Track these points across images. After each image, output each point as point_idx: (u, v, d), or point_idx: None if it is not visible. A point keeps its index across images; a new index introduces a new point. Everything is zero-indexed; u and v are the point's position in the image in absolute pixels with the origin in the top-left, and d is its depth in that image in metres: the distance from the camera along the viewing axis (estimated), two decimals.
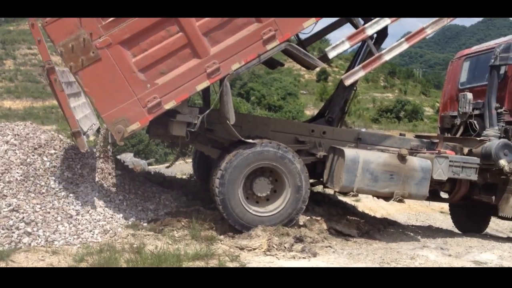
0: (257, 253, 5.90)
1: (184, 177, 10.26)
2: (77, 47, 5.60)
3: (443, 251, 6.48)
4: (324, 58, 6.86)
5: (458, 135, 8.52)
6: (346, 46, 6.59)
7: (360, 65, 6.81)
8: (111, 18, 5.68)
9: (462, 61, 9.29)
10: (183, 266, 5.05)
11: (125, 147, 20.60)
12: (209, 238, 6.16)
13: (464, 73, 9.19)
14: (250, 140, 6.51)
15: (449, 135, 8.77)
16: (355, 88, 8.08)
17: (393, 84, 64.46)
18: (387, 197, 7.10)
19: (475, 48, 9.38)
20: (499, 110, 7.92)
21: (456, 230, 9.77)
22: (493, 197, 7.83)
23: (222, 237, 6.40)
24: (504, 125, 7.86)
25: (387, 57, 6.83)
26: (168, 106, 5.97)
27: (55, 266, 4.92)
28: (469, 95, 8.31)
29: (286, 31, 6.16)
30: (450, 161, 7.25)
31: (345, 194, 7.45)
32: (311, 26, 6.30)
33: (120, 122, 5.81)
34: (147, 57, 5.87)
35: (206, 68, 5.99)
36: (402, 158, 6.92)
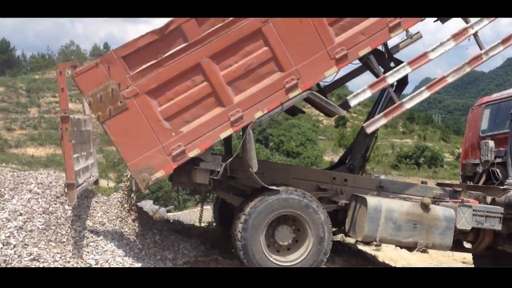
0: None
1: (203, 225, 10.22)
2: (105, 97, 5.70)
3: None
4: (345, 105, 6.87)
5: (480, 183, 8.38)
6: (368, 94, 6.64)
7: (382, 113, 6.82)
8: (139, 68, 5.80)
9: (483, 109, 9.23)
10: None
11: (144, 194, 20.64)
12: None
13: (485, 120, 9.13)
14: (275, 187, 6.48)
15: (471, 183, 8.64)
16: (376, 135, 8.06)
17: (412, 130, 64.22)
18: (410, 247, 6.94)
19: (495, 96, 9.35)
20: None
21: None
22: None
23: None
24: None
25: (408, 105, 6.84)
26: (192, 154, 6.00)
27: None
28: (491, 143, 8.20)
29: (308, 80, 6.24)
30: (473, 210, 7.09)
31: (368, 243, 7.30)
32: (332, 74, 6.38)
33: (145, 170, 5.83)
34: (172, 106, 5.94)
35: (230, 117, 6.04)
36: (425, 207, 6.81)
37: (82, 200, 6.91)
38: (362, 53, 6.36)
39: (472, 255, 9.64)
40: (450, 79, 6.84)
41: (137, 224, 7.40)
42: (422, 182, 8.52)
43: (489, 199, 7.58)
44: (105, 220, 6.88)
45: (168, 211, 14.57)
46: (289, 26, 6.10)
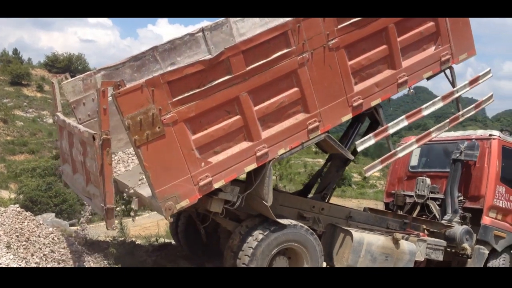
0: None
1: (107, 239, 9.95)
2: (144, 121, 5.46)
3: None
4: (353, 151, 7.47)
5: (414, 215, 9.54)
6: (372, 141, 7.22)
7: (379, 160, 7.42)
8: (182, 96, 5.67)
9: None
10: None
11: (47, 206, 18.92)
12: None
13: (415, 157, 10.29)
14: (282, 221, 6.69)
15: (401, 212, 9.77)
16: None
17: (324, 150, 66.35)
18: None
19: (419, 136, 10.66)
20: (459, 198, 8.96)
21: None
22: None
23: None
24: (462, 212, 8.89)
25: (400, 153, 7.61)
26: (217, 185, 6.01)
27: None
28: (428, 180, 9.45)
29: (328, 123, 6.60)
30: (428, 244, 8.09)
31: None
32: (348, 118, 6.86)
33: (171, 199, 5.70)
34: (206, 136, 5.91)
35: (256, 151, 6.17)
36: (396, 241, 7.58)
37: None
38: (374, 103, 6.93)
39: None
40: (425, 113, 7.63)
41: (37, 239, 7.21)
42: (364, 209, 9.48)
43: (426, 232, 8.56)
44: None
45: (72, 225, 13.64)
46: (320, 71, 6.42)
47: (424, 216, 9.28)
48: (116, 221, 7.02)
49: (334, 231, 7.66)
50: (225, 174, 6.04)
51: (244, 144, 6.17)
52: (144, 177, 6.07)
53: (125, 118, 5.45)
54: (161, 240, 11.15)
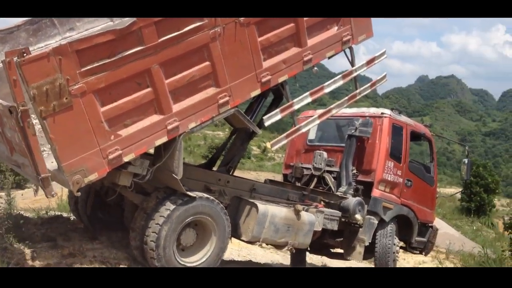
0: None
1: None
2: (51, 91, 5.16)
3: None
4: (260, 125, 7.66)
5: (311, 187, 10.04)
6: (279, 116, 7.52)
7: (284, 135, 7.76)
8: (91, 66, 5.44)
9: None
10: None
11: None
12: None
13: (313, 132, 10.73)
14: (191, 193, 6.75)
15: (299, 184, 10.23)
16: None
17: (223, 123, 65.40)
18: (281, 246, 8.07)
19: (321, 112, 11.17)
20: (353, 172, 9.60)
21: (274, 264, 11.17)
22: (340, 243, 9.58)
23: None
24: (355, 184, 9.50)
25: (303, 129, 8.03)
26: (127, 158, 5.90)
27: None
28: (325, 154, 9.98)
29: (238, 98, 6.73)
30: (325, 214, 8.64)
31: (252, 243, 8.03)
32: (257, 94, 7.02)
33: (79, 172, 5.51)
34: (115, 108, 5.73)
35: (167, 125, 6.13)
36: (297, 213, 7.98)
37: None
38: (281, 79, 7.16)
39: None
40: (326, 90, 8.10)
41: None
42: (265, 181, 9.81)
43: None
44: None
45: None
46: (231, 45, 6.48)
47: (320, 188, 9.78)
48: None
49: (239, 203, 7.87)
50: (135, 148, 5.95)
51: (155, 117, 6.10)
52: (47, 149, 5.80)
53: (30, 88, 5.12)
54: (52, 213, 10.66)
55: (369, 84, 8.73)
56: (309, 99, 7.80)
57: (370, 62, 8.53)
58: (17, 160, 6.12)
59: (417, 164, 10.73)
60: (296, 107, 7.64)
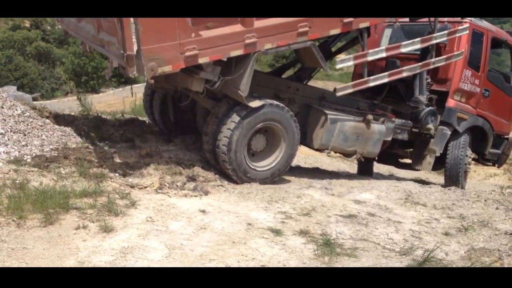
0: (148, 191, 5.90)
1: (72, 113, 9.83)
2: None
3: (327, 190, 7.00)
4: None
5: (383, 96, 9.76)
6: (351, 62, 7.70)
7: (352, 83, 7.88)
8: None
9: (384, 28, 10.20)
10: (70, 203, 4.95)
11: (7, 80, 18.06)
12: (99, 176, 5.93)
13: (386, 39, 10.24)
14: (259, 102, 6.74)
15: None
16: None
17: (302, 61, 64.22)
18: (349, 155, 8.10)
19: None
20: (427, 81, 9.09)
21: (340, 172, 11.23)
22: (409, 153, 9.49)
23: (112, 175, 6.19)
24: (429, 94, 9.09)
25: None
26: (201, 60, 5.98)
27: None
28: (398, 62, 9.45)
29: (316, 32, 6.74)
30: (396, 124, 8.46)
31: (321, 151, 8.15)
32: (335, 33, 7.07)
33: (155, 60, 5.63)
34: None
35: (245, 38, 6.16)
36: (367, 122, 7.91)
37: None
38: (362, 25, 7.26)
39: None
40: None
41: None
42: (334, 90, 9.64)
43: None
44: None
45: (34, 99, 13.13)
46: None
47: (392, 98, 9.53)
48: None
49: (309, 111, 7.87)
50: (211, 52, 6.01)
51: (236, 28, 6.13)
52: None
53: None
54: (127, 115, 11.08)
55: (444, 57, 8.72)
56: (384, 54, 7.89)
57: (451, 33, 8.55)
58: (103, 38, 6.31)
59: (496, 73, 10.11)
60: (369, 58, 7.59)
